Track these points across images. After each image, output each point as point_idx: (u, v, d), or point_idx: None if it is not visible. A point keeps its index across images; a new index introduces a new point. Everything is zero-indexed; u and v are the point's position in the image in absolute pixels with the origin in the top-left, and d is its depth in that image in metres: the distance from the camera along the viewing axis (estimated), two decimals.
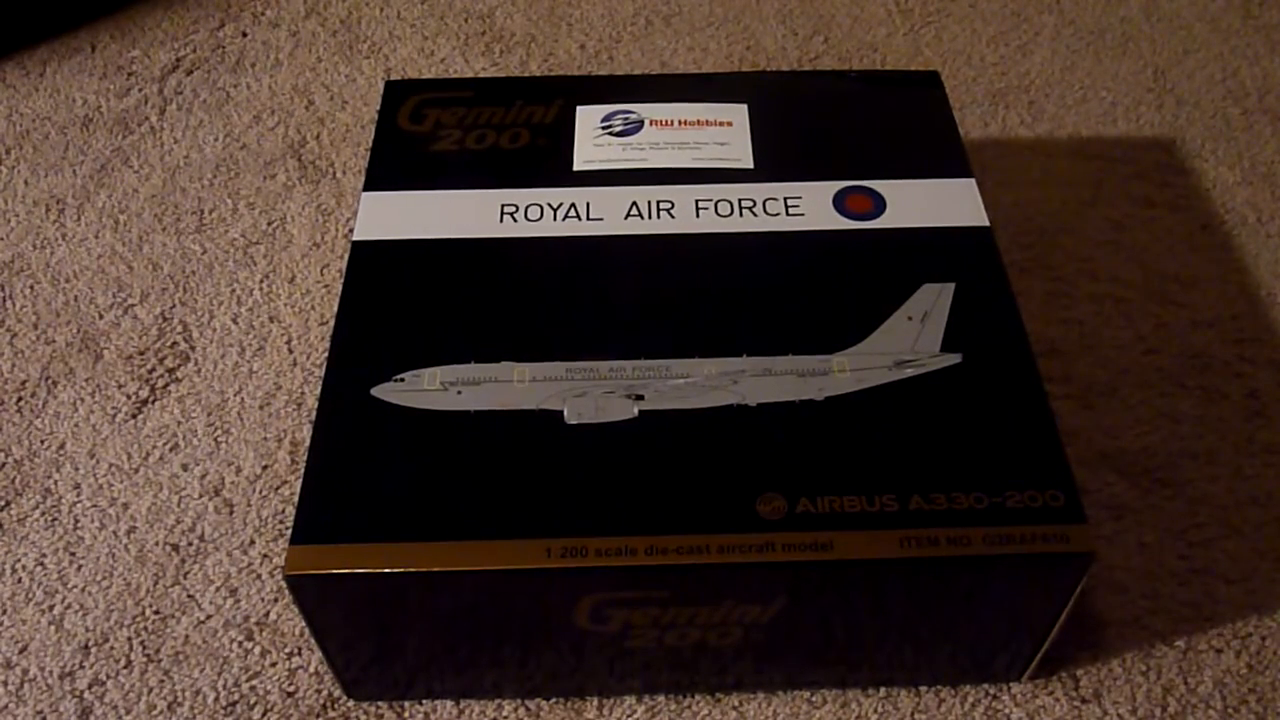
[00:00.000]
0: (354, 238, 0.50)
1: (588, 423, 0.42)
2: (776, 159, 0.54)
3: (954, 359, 0.44)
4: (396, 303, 0.47)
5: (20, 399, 0.58)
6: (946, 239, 0.49)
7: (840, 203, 0.51)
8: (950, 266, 0.48)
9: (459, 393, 0.43)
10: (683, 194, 0.52)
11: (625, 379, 0.44)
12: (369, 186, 0.52)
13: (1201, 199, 0.68)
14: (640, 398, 0.43)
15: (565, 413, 0.43)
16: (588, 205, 0.51)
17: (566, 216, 0.51)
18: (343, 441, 0.42)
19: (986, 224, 0.50)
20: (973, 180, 0.52)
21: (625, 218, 0.50)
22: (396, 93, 0.58)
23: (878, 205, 0.51)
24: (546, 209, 0.51)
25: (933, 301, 0.46)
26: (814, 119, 0.56)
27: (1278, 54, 0.78)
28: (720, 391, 0.43)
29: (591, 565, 0.39)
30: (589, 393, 0.43)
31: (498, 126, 0.55)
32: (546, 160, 0.54)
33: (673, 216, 0.50)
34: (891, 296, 0.47)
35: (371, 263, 0.49)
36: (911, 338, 0.45)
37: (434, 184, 0.52)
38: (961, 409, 0.43)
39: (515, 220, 0.50)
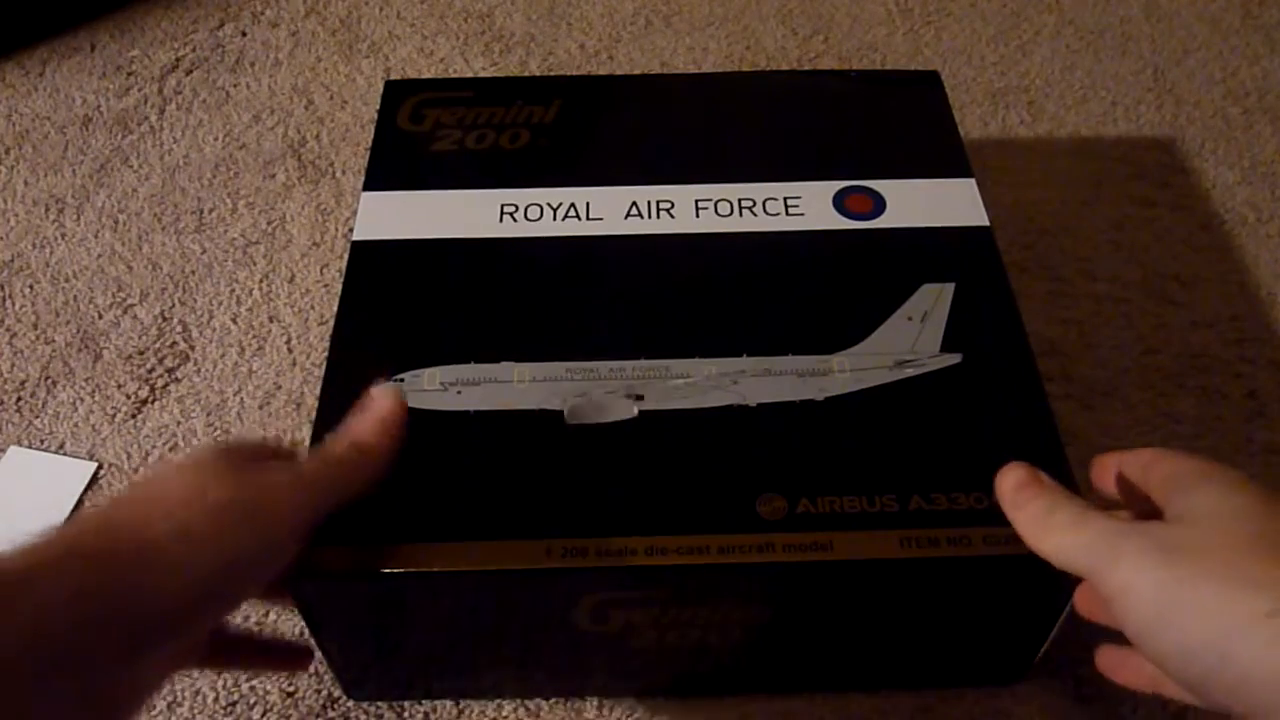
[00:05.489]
0: (354, 238, 0.50)
1: (588, 423, 0.42)
2: (777, 159, 0.53)
3: (954, 359, 0.44)
4: (396, 303, 0.47)
5: (20, 399, 0.58)
6: (946, 239, 0.49)
7: (840, 202, 0.51)
8: (950, 266, 0.48)
9: (459, 393, 0.43)
10: (683, 194, 0.51)
11: (625, 379, 0.43)
12: (368, 186, 0.52)
13: (1201, 199, 0.68)
14: (640, 398, 0.43)
15: (565, 413, 0.42)
16: (588, 205, 0.51)
17: (566, 216, 0.50)
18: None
19: (986, 224, 0.50)
20: (973, 180, 0.52)
21: (625, 218, 0.50)
22: (396, 93, 0.58)
23: (878, 205, 0.51)
24: (546, 209, 0.51)
25: (932, 302, 0.46)
26: (814, 119, 0.56)
27: (1278, 54, 0.78)
28: (720, 392, 0.43)
29: (592, 566, 0.38)
30: (589, 393, 0.43)
31: (498, 126, 0.55)
32: (546, 160, 0.53)
33: (673, 216, 0.50)
34: (891, 296, 0.46)
35: (371, 263, 0.49)
36: (911, 338, 0.45)
37: (434, 184, 0.52)
38: (961, 409, 0.43)
39: (515, 220, 0.50)
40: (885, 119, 0.56)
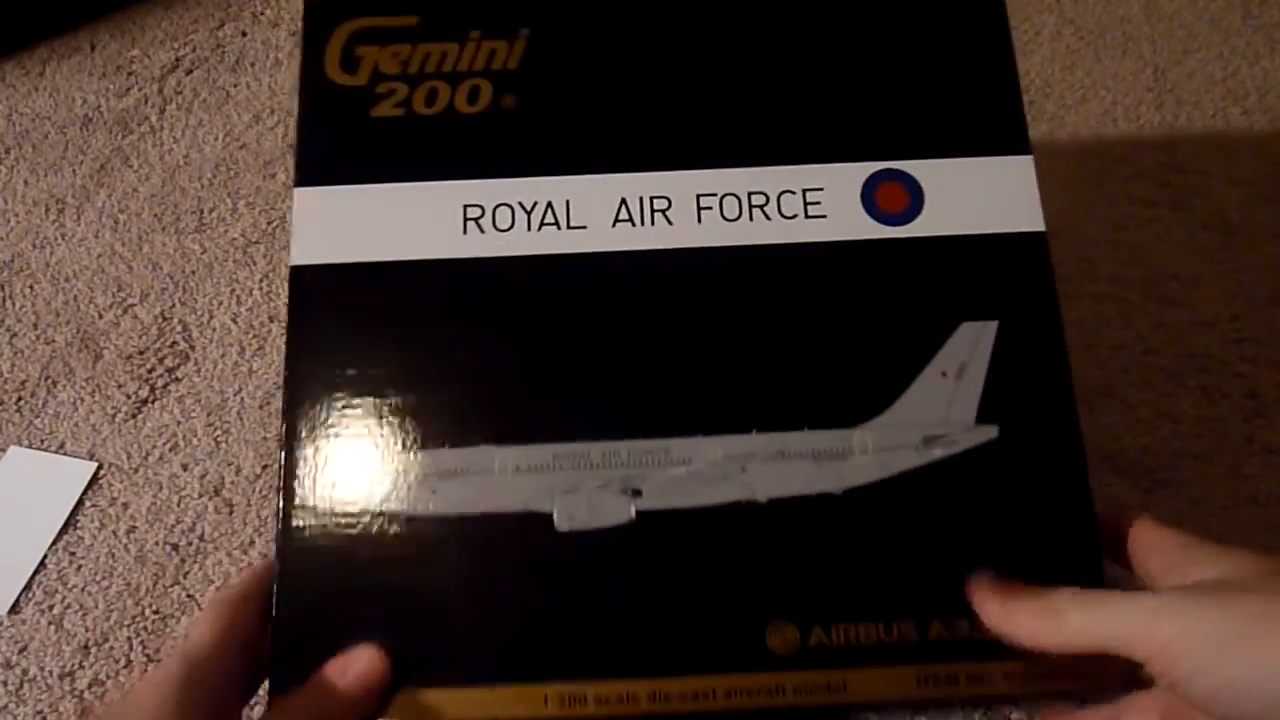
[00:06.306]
0: (292, 260, 0.42)
1: (580, 529, 0.38)
2: (792, 122, 0.43)
3: (989, 433, 0.39)
4: (348, 357, 0.40)
5: (20, 399, 0.58)
6: (993, 252, 0.42)
7: (870, 197, 0.42)
8: (995, 292, 0.41)
9: (433, 491, 0.38)
10: (681, 185, 0.42)
11: (620, 466, 0.38)
12: (302, 180, 0.42)
13: (1201, 199, 0.68)
14: (638, 493, 0.38)
15: (555, 516, 0.38)
16: (567, 205, 0.42)
17: (543, 224, 0.42)
18: (310, 568, 0.38)
19: (1042, 228, 0.42)
20: (1029, 158, 0.43)
21: (613, 224, 0.42)
22: (319, 22, 0.45)
23: (914, 200, 0.42)
24: (519, 211, 0.42)
25: (971, 349, 0.40)
26: (838, 53, 0.44)
27: (1278, 54, 0.78)
28: (727, 484, 0.38)
29: (592, 716, 0.36)
30: (581, 487, 0.38)
31: (450, 76, 0.43)
32: (514, 130, 0.43)
33: (669, 221, 0.42)
34: (925, 336, 0.40)
35: (314, 298, 0.42)
36: (945, 401, 0.39)
37: (380, 174, 0.42)
38: (991, 505, 0.38)
39: (482, 229, 0.42)
40: (926, 56, 0.44)
